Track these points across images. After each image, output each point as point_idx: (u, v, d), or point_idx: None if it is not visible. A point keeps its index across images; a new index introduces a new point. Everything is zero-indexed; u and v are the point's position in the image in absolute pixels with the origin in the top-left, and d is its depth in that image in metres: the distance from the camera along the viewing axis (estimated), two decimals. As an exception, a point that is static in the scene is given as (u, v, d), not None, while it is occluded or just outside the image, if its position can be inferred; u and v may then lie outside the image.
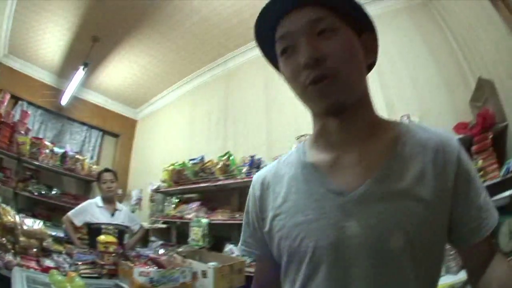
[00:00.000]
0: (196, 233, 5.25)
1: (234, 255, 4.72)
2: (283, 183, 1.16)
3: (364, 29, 1.09)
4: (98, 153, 8.95)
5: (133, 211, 7.09)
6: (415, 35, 5.04)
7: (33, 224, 3.17)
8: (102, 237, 3.51)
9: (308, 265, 1.00)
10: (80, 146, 8.40)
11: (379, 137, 1.06)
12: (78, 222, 4.43)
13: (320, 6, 0.99)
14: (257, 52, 1.35)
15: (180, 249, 4.83)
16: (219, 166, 5.61)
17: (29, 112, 6.75)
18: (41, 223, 3.32)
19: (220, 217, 5.40)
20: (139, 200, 8.41)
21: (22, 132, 6.07)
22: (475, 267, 1.02)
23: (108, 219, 4.56)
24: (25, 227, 3.06)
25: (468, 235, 1.00)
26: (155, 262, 3.17)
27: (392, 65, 5.05)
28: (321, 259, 0.97)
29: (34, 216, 5.28)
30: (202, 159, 6.13)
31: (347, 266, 0.94)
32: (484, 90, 3.51)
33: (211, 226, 5.31)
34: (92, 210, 4.56)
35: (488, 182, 3.15)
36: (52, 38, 6.35)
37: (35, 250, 3.01)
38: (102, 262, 3.06)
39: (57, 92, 7.61)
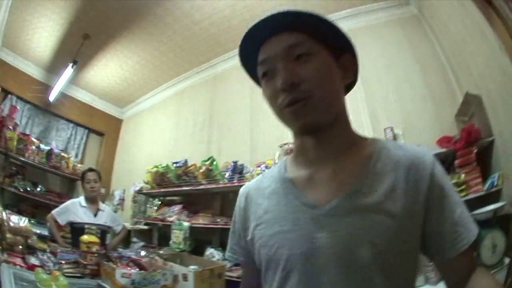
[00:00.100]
0: (177, 236, 5.27)
1: (214, 259, 4.79)
2: (265, 196, 1.25)
3: (343, 50, 1.16)
4: (83, 151, 8.94)
5: (115, 211, 7.10)
6: (404, 47, 5.10)
7: (19, 221, 3.19)
8: (85, 237, 3.53)
9: (282, 272, 1.08)
10: (65, 144, 8.37)
11: (354, 154, 1.13)
12: (62, 221, 4.45)
13: (298, 32, 1.07)
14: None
15: (161, 252, 4.87)
16: (202, 170, 5.63)
17: (18, 107, 6.73)
18: (27, 220, 3.33)
19: (201, 221, 5.42)
20: (122, 200, 8.40)
21: (10, 127, 6.04)
22: (455, 281, 1.06)
23: (91, 219, 4.58)
24: (11, 224, 3.07)
25: (443, 249, 1.03)
26: (137, 263, 3.18)
27: (379, 76, 5.13)
28: (293, 267, 1.05)
29: (20, 212, 5.30)
30: (185, 162, 6.14)
31: (317, 274, 1.01)
32: (470, 105, 3.60)
33: (192, 229, 5.34)
34: (75, 209, 4.58)
35: (471, 196, 3.23)
36: (44, 33, 6.35)
37: (20, 247, 3.03)
38: (85, 262, 3.07)
39: (46, 88, 7.60)
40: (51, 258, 3.13)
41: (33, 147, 6.40)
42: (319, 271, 1.01)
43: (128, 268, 2.92)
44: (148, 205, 7.00)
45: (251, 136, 6.27)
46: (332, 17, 5.57)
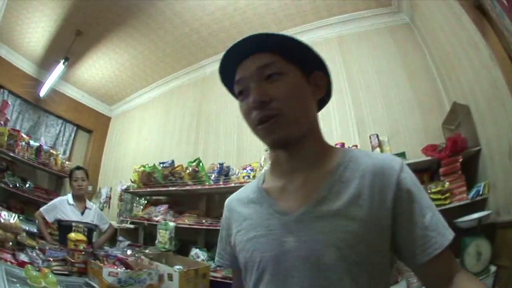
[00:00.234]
0: (163, 236, 5.27)
1: (199, 259, 4.78)
2: (245, 205, 1.35)
3: (314, 68, 1.25)
4: (71, 148, 8.92)
5: (101, 209, 7.09)
6: (394, 55, 5.15)
7: (9, 217, 3.22)
8: (72, 235, 3.58)
9: (256, 273, 1.18)
10: (54, 140, 8.37)
11: (324, 164, 1.21)
12: (50, 218, 4.48)
13: (271, 52, 1.17)
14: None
15: (147, 251, 4.91)
16: (188, 171, 5.66)
17: (9, 103, 6.69)
18: (16, 216, 3.36)
19: (187, 221, 5.41)
20: (108, 198, 8.40)
21: (1, 122, 6.04)
22: (433, 286, 1.10)
23: (78, 217, 4.62)
24: (1, 220, 3.08)
25: (415, 254, 1.05)
26: (123, 262, 3.21)
27: (367, 83, 5.20)
28: (265, 268, 1.15)
29: (9, 208, 5.27)
30: (172, 163, 6.14)
31: (285, 275, 1.10)
32: (458, 114, 3.64)
33: (177, 229, 5.34)
34: (63, 207, 4.61)
35: (455, 204, 3.32)
36: (37, 28, 6.36)
37: (10, 243, 3.06)
38: (73, 260, 3.09)
39: (37, 83, 7.60)
40: (40, 255, 3.14)
41: (23, 143, 6.37)
42: (287, 272, 1.09)
43: (115, 267, 2.94)
44: (134, 204, 6.99)
45: (238, 138, 6.32)
46: (323, 23, 5.69)
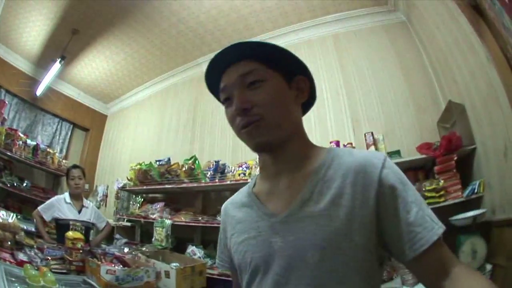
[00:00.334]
0: (159, 234, 5.29)
1: (196, 256, 4.80)
2: (238, 208, 1.40)
3: (297, 73, 1.29)
4: (67, 146, 8.89)
5: (98, 207, 7.10)
6: (389, 54, 5.16)
7: (7, 216, 3.23)
8: (70, 233, 3.59)
9: (249, 273, 1.22)
10: (50, 138, 8.34)
11: (308, 165, 1.23)
12: (47, 217, 4.48)
13: (253, 60, 1.21)
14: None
15: (144, 249, 4.93)
16: (184, 169, 5.67)
17: (6, 102, 6.68)
18: (14, 216, 3.36)
19: (183, 218, 5.44)
20: (105, 196, 8.39)
21: (-1, 121, 6.02)
22: (427, 280, 1.07)
23: (75, 216, 4.63)
24: (0, 220, 3.12)
25: (403, 251, 1.04)
26: (120, 260, 3.23)
27: (362, 81, 5.22)
28: (257, 269, 1.19)
29: (6, 207, 5.26)
30: (168, 161, 6.19)
31: (274, 275, 1.13)
32: (453, 113, 3.66)
33: (174, 227, 5.36)
34: (60, 205, 4.61)
35: (450, 202, 3.33)
36: (34, 27, 6.36)
37: (9, 243, 3.07)
38: (71, 259, 3.09)
39: (33, 82, 7.58)
40: (38, 254, 3.14)
41: (20, 142, 6.36)
42: (276, 272, 1.12)
43: (112, 265, 2.97)
44: (131, 202, 6.98)
45: (234, 136, 6.16)
46: (318, 21, 5.71)
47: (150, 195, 6.95)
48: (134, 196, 7.02)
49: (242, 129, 1.19)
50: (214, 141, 6.68)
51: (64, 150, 8.75)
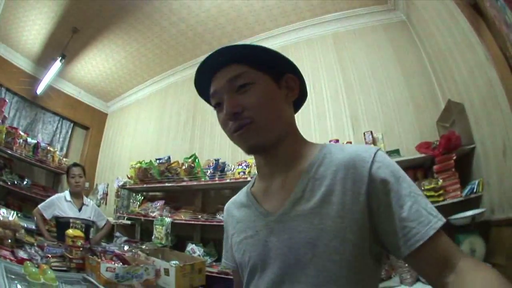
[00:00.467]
0: (159, 232, 5.32)
1: (195, 254, 4.84)
2: (238, 208, 1.41)
3: (285, 71, 1.28)
4: (68, 144, 8.89)
5: (99, 206, 7.11)
6: (389, 53, 5.17)
7: (8, 214, 3.23)
8: (70, 231, 3.58)
9: (248, 272, 1.24)
10: (51, 137, 8.35)
11: (301, 163, 1.23)
12: (48, 215, 4.50)
13: (241, 63, 1.20)
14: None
15: (143, 247, 4.94)
16: (184, 167, 5.70)
17: (6, 100, 6.70)
18: (15, 214, 3.37)
19: (182, 217, 5.48)
20: (105, 195, 8.39)
21: (-1, 120, 6.04)
22: (432, 277, 1.01)
23: (75, 214, 4.66)
24: (0, 218, 3.11)
25: (397, 247, 1.01)
26: (120, 258, 3.24)
27: (361, 80, 5.23)
28: (255, 268, 1.20)
29: (7, 205, 5.23)
30: (168, 159, 6.20)
31: (270, 273, 1.14)
32: (452, 112, 3.65)
33: (174, 225, 5.39)
34: (60, 204, 4.64)
35: (449, 201, 3.33)
36: (34, 26, 6.36)
37: (9, 241, 3.07)
38: (71, 256, 3.08)
39: (34, 80, 7.59)
40: (38, 252, 3.13)
41: (21, 140, 6.38)
42: (272, 271, 1.14)
43: (112, 263, 2.99)
44: (131, 200, 6.98)
45: None
46: (318, 20, 5.73)
47: (150, 193, 6.99)
48: (134, 194, 7.02)
49: (234, 132, 1.19)
50: (214, 139, 6.69)
51: (65, 149, 8.76)
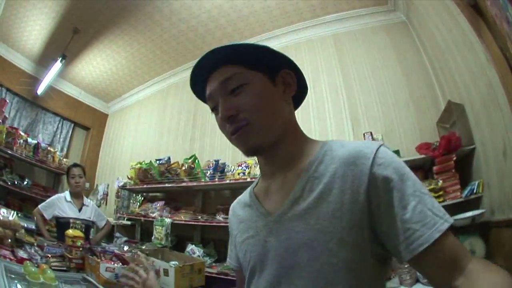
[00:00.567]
0: (159, 232, 5.32)
1: (195, 255, 4.84)
2: (242, 208, 1.38)
3: (280, 67, 1.23)
4: (68, 145, 8.91)
5: (99, 206, 7.12)
6: (390, 53, 5.17)
7: (8, 214, 3.24)
8: (70, 231, 3.59)
9: (249, 272, 1.23)
10: (51, 137, 8.37)
11: (301, 162, 1.18)
12: (48, 215, 4.50)
13: (231, 64, 1.17)
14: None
15: (143, 247, 4.94)
16: (184, 168, 5.71)
17: (7, 100, 6.72)
18: (15, 214, 3.37)
19: (182, 217, 5.49)
20: (106, 195, 8.41)
21: (0, 120, 6.07)
22: (439, 281, 0.93)
23: (75, 214, 4.67)
24: (0, 217, 3.11)
25: (398, 251, 0.95)
26: (120, 258, 3.23)
27: (362, 81, 5.23)
28: (254, 268, 1.19)
29: (7, 205, 5.24)
30: (168, 160, 6.21)
31: (268, 273, 1.12)
32: (452, 113, 3.64)
33: (174, 225, 5.40)
34: (60, 204, 4.65)
35: (448, 202, 3.32)
36: (35, 26, 6.38)
37: (9, 240, 3.08)
38: (70, 256, 3.09)
39: (34, 81, 7.60)
40: (38, 251, 3.14)
41: (21, 140, 6.39)
42: (269, 272, 1.12)
43: (112, 263, 2.98)
44: (131, 201, 7.00)
45: None
46: (319, 21, 5.73)
47: (150, 194, 7.01)
48: (134, 194, 7.05)
49: (232, 135, 1.17)
50: (214, 140, 6.70)
51: (65, 149, 8.78)
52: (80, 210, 4.77)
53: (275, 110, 1.18)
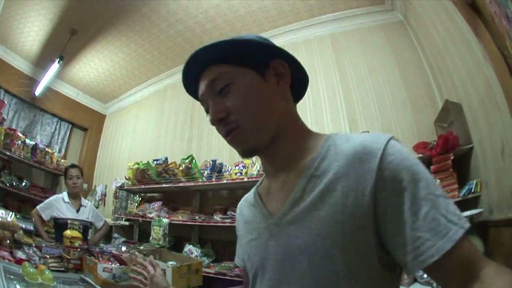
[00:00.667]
0: (156, 232, 5.34)
1: (193, 255, 4.85)
2: (248, 207, 1.31)
3: (270, 58, 1.15)
4: (66, 146, 8.93)
5: (97, 207, 7.15)
6: (387, 53, 5.16)
7: (6, 215, 3.24)
8: (68, 232, 3.60)
9: (252, 275, 1.17)
10: (49, 138, 8.39)
11: (303, 159, 1.09)
12: (46, 216, 4.51)
13: (217, 64, 1.11)
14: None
15: (141, 247, 4.96)
16: (181, 168, 5.73)
17: (5, 102, 6.73)
18: (13, 215, 3.38)
19: (180, 217, 5.51)
20: (104, 196, 8.43)
21: (-2, 122, 6.05)
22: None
23: (73, 215, 4.67)
24: None
25: (405, 261, 0.86)
26: (117, 258, 3.25)
27: (359, 80, 5.23)
28: (256, 272, 1.14)
29: (5, 207, 5.29)
30: (165, 160, 6.24)
31: (268, 279, 1.06)
32: (450, 112, 3.63)
33: (171, 226, 5.41)
34: (58, 205, 4.65)
35: None
36: (33, 27, 6.39)
37: (8, 241, 3.08)
38: (68, 257, 3.10)
39: (32, 82, 7.61)
40: (36, 252, 3.15)
41: (19, 142, 6.41)
42: (269, 277, 1.06)
43: (109, 263, 3.00)
44: (129, 201, 7.02)
45: None
46: (316, 21, 5.75)
47: (148, 194, 7.02)
48: (132, 195, 7.06)
49: (225, 138, 1.13)
50: (211, 140, 6.70)
51: (63, 150, 8.80)
52: (78, 211, 4.77)
53: (266, 107, 1.10)
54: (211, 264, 4.90)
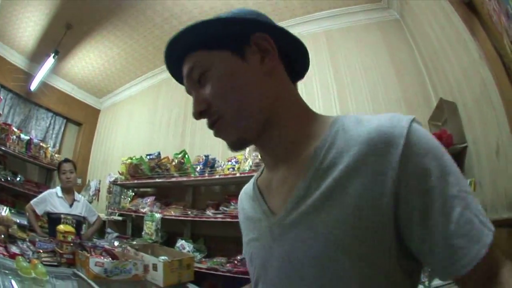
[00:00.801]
0: (149, 227, 5.38)
1: (185, 250, 4.88)
2: (247, 200, 1.18)
3: (250, 33, 0.98)
4: (61, 141, 8.93)
5: (91, 202, 7.15)
6: (382, 51, 5.17)
7: (1, 210, 3.27)
8: (61, 227, 3.62)
9: (254, 279, 1.06)
10: (44, 133, 8.39)
11: (306, 148, 0.95)
12: (39, 211, 4.54)
13: (193, 51, 0.99)
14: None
15: (133, 242, 4.99)
16: (174, 163, 5.77)
17: (1, 97, 6.79)
18: (7, 210, 3.40)
19: (173, 212, 5.53)
20: (98, 191, 8.44)
21: (-6, 117, 6.02)
22: None
23: (66, 210, 4.70)
24: None
25: (435, 271, 0.77)
26: (109, 253, 3.27)
27: (354, 78, 5.23)
28: (259, 275, 1.02)
29: (0, 202, 5.33)
30: (158, 155, 6.27)
31: (271, 285, 0.95)
32: (444, 111, 3.63)
33: (164, 221, 5.45)
34: (52, 199, 4.68)
35: None
36: (29, 22, 6.40)
37: (2, 236, 3.11)
38: (61, 252, 3.13)
39: (28, 77, 7.61)
40: (30, 247, 3.19)
41: (14, 136, 6.43)
42: (272, 283, 0.95)
43: (101, 258, 3.03)
44: (122, 196, 7.06)
45: None
46: (311, 17, 5.81)
47: (141, 189, 7.04)
48: (125, 190, 7.09)
49: (210, 129, 1.01)
50: (205, 135, 6.70)
51: (57, 145, 8.80)
52: (71, 205, 4.80)
53: (248, 91, 0.96)
54: (203, 259, 4.93)
